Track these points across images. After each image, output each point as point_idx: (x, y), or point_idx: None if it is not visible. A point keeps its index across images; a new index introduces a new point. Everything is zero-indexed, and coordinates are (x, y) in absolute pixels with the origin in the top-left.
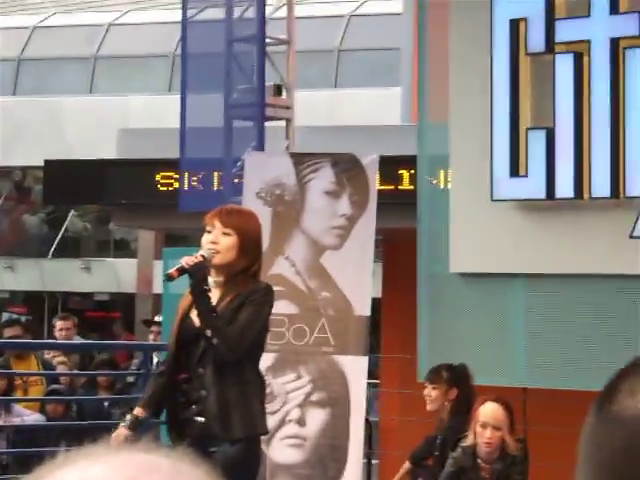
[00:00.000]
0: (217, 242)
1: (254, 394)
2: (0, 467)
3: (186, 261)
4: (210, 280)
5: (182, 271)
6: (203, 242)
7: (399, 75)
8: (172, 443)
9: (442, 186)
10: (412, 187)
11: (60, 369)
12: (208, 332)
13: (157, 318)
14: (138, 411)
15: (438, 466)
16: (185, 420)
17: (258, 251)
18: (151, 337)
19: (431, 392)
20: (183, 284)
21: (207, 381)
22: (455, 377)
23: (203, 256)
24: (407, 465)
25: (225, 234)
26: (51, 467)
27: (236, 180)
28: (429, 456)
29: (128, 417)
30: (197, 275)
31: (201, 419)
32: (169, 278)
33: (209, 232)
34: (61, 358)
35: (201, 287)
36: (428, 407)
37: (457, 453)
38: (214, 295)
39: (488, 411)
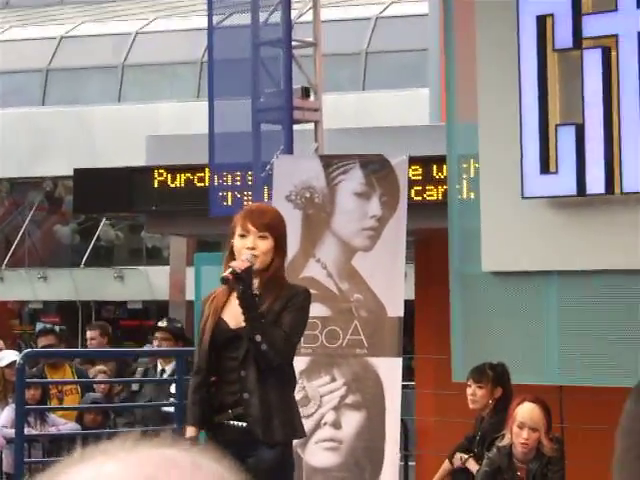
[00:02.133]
0: (255, 247)
1: (292, 397)
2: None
3: (237, 266)
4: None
5: (236, 275)
6: (238, 247)
7: (426, 76)
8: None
9: (472, 185)
10: (442, 187)
11: (100, 378)
12: (258, 337)
13: (160, 323)
14: (192, 431)
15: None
16: (219, 424)
17: (286, 249)
18: (155, 343)
19: (476, 391)
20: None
21: (250, 384)
22: (499, 376)
23: (249, 261)
24: (447, 465)
25: (262, 237)
26: (68, 463)
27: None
28: (469, 455)
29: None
30: (248, 280)
31: (240, 423)
32: (225, 281)
33: (243, 236)
34: (101, 367)
35: (251, 292)
36: (471, 406)
37: (493, 453)
38: None
39: (526, 411)
